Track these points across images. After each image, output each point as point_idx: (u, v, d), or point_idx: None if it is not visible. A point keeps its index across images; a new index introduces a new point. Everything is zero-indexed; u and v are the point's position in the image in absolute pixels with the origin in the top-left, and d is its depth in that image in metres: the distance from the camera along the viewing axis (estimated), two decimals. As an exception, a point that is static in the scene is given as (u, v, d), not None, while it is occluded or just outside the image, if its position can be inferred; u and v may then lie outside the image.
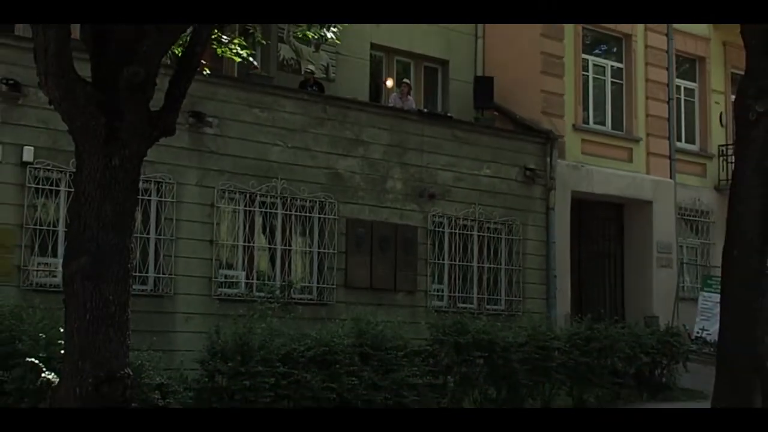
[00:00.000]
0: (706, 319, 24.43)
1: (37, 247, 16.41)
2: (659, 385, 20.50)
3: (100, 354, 8.98)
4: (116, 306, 9.10)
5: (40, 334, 12.84)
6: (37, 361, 10.85)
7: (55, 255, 16.32)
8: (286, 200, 19.24)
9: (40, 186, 16.54)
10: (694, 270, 27.25)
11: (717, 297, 20.13)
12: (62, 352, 9.34)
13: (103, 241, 9.10)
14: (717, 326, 18.81)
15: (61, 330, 9.40)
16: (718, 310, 18.96)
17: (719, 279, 19.46)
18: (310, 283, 19.59)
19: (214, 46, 17.22)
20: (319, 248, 19.64)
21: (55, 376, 9.62)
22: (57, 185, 16.69)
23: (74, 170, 9.66)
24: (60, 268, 12.61)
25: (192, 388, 14.09)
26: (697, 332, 24.75)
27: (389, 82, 24.26)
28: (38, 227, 16.47)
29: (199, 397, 14.12)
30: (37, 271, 16.41)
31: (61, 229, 16.27)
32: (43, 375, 10.07)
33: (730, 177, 21.87)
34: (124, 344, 9.19)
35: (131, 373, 9.34)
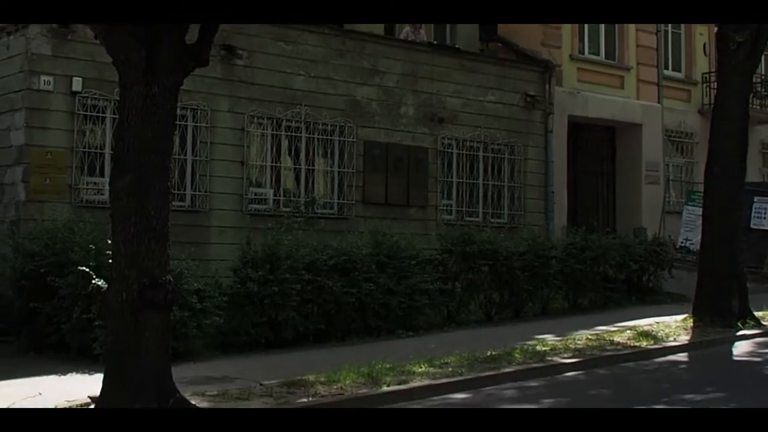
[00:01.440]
0: (690, 230, 24.42)
1: (86, 167, 16.44)
2: (647, 289, 20.57)
3: (144, 263, 9.07)
4: (157, 220, 9.17)
5: (90, 246, 12.92)
6: (87, 269, 10.92)
7: (102, 175, 16.35)
8: (310, 125, 19.18)
9: (88, 113, 16.51)
10: (679, 186, 27.20)
11: (699, 210, 20.18)
12: (110, 261, 9.42)
13: (145, 161, 9.14)
14: (699, 237, 18.94)
15: (109, 241, 9.46)
16: (700, 222, 19.05)
17: (702, 194, 19.56)
18: (331, 199, 19.60)
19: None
20: (339, 168, 19.62)
21: (104, 283, 9.71)
22: (103, 112, 16.67)
23: (118, 99, 9.67)
24: (107, 187, 12.74)
25: (226, 293, 14.19)
26: (681, 242, 24.77)
27: (402, 17, 24.05)
28: (87, 150, 16.48)
29: (232, 301, 14.22)
30: (87, 189, 16.45)
31: (107, 151, 16.27)
32: (93, 281, 10.14)
33: (712, 101, 21.82)
34: (165, 254, 9.27)
35: (172, 280, 9.44)
